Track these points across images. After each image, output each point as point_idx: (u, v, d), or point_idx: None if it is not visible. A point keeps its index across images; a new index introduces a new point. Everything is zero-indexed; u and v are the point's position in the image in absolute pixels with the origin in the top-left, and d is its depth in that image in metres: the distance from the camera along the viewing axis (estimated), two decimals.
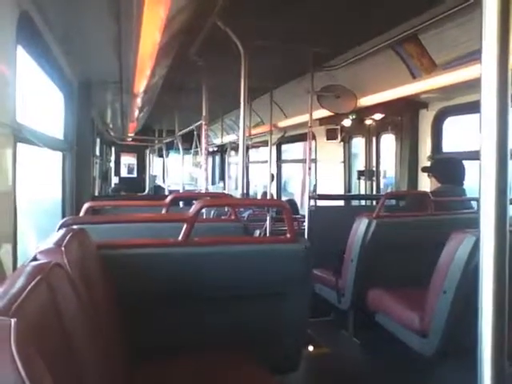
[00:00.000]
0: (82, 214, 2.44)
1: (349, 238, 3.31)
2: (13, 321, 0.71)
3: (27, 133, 2.16)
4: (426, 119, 4.76)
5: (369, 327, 3.22)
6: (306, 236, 3.93)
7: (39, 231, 3.17)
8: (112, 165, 13.02)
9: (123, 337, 1.71)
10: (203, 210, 3.59)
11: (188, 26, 2.93)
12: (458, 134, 4.70)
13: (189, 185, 11.80)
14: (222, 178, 12.43)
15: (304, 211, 4.52)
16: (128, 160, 14.24)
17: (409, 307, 2.73)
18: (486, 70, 0.84)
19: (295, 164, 9.55)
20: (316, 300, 3.08)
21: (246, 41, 3.29)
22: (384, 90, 4.33)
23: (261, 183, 9.99)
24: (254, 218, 5.04)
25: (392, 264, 3.08)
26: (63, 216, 3.57)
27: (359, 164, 6.13)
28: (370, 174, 5.82)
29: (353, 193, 6.25)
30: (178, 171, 9.78)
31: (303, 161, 7.78)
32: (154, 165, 13.25)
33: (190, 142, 8.06)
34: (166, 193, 8.62)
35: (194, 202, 2.51)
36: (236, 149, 9.18)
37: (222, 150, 11.83)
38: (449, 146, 4.71)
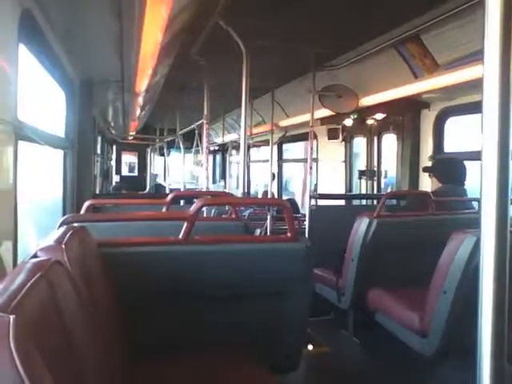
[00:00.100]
0: (82, 211, 2.44)
1: (349, 237, 3.31)
2: (12, 317, 0.71)
3: (28, 130, 2.16)
4: (428, 119, 4.76)
5: (369, 327, 3.22)
6: (306, 235, 3.93)
7: (40, 229, 3.17)
8: (113, 163, 13.02)
9: (123, 335, 1.71)
10: (204, 209, 3.60)
11: (190, 26, 2.92)
12: (460, 135, 4.70)
13: (190, 183, 11.82)
14: (223, 176, 12.44)
15: (305, 210, 4.53)
16: (129, 158, 14.26)
17: (409, 307, 2.72)
18: (488, 70, 0.84)
19: (296, 163, 9.55)
20: (316, 299, 3.08)
21: (247, 40, 3.29)
22: (386, 90, 4.33)
23: (262, 182, 10.00)
24: (255, 217, 5.05)
25: (392, 264, 3.08)
26: (64, 214, 3.57)
27: (360, 164, 6.13)
28: (371, 173, 5.82)
29: (354, 192, 6.25)
30: (179, 170, 9.79)
31: (304, 160, 7.78)
32: (155, 163, 13.27)
33: (191, 140, 8.07)
34: (167, 191, 8.62)
35: (194, 200, 2.51)
36: (237, 148, 9.18)
37: (223, 148, 11.84)
38: (450, 146, 4.71)
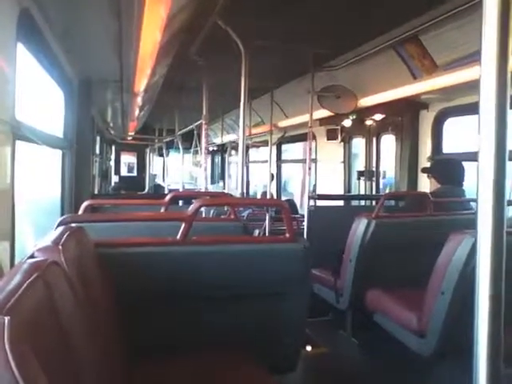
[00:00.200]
0: (80, 212, 2.43)
1: (348, 238, 3.31)
2: (7, 319, 0.71)
3: (26, 130, 2.16)
4: (427, 120, 4.76)
5: (367, 327, 3.22)
6: (305, 236, 3.93)
7: (38, 229, 3.16)
8: (112, 163, 13.01)
9: (121, 335, 1.71)
10: (203, 210, 3.59)
11: (189, 25, 2.92)
12: (459, 135, 4.70)
13: (189, 184, 11.82)
14: (222, 177, 12.44)
15: (304, 211, 4.52)
16: (128, 159, 14.24)
17: (407, 307, 2.73)
18: (485, 71, 0.84)
19: (295, 164, 9.55)
20: (314, 300, 3.08)
21: (246, 40, 3.29)
22: (384, 91, 4.33)
23: (261, 183, 10.00)
24: (254, 218, 5.05)
25: (391, 264, 3.08)
26: (62, 214, 3.57)
27: (359, 164, 6.13)
28: (370, 174, 5.82)
29: (352, 193, 6.25)
30: (177, 170, 9.79)
31: (303, 161, 7.78)
32: (154, 164, 13.25)
33: (190, 141, 8.07)
34: (166, 192, 8.62)
35: (193, 201, 2.51)
36: (236, 148, 9.17)
37: (222, 149, 11.84)
38: (449, 147, 4.71)
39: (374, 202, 4.73)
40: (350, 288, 3.29)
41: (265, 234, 3.72)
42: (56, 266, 1.18)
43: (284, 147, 9.01)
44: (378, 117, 5.23)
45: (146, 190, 12.06)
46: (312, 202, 4.25)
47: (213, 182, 12.60)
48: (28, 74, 2.58)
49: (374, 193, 5.76)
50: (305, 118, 4.96)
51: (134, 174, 14.20)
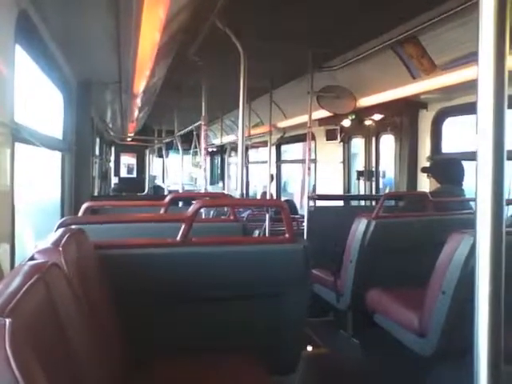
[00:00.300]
0: (80, 213, 2.43)
1: (348, 238, 3.31)
2: (7, 321, 0.71)
3: (25, 132, 2.16)
4: (426, 120, 4.76)
5: (367, 327, 3.22)
6: (305, 236, 3.93)
7: (38, 231, 3.16)
8: (112, 165, 13.02)
9: (121, 336, 1.71)
10: (202, 210, 3.60)
11: (187, 26, 2.93)
12: (458, 135, 4.70)
13: (188, 185, 11.81)
14: (222, 178, 12.44)
15: (303, 211, 4.52)
16: (128, 160, 14.25)
17: (407, 307, 2.72)
18: (483, 71, 0.84)
19: (295, 164, 9.55)
20: (315, 300, 3.08)
21: (245, 41, 3.29)
22: (384, 91, 4.33)
23: (260, 183, 10.00)
24: (253, 218, 5.05)
25: (391, 264, 3.08)
26: (62, 216, 3.57)
27: (358, 164, 6.13)
28: (370, 174, 5.82)
29: (352, 193, 6.25)
30: (177, 171, 9.79)
31: (303, 161, 7.78)
32: (154, 165, 13.26)
33: (189, 142, 8.08)
34: (166, 193, 8.62)
35: (193, 202, 2.51)
36: (235, 149, 9.19)
37: (222, 150, 11.84)
38: (448, 146, 4.71)
39: (373, 202, 4.74)
40: (350, 288, 3.29)
41: (265, 234, 3.72)
42: (56, 268, 1.18)
43: (283, 148, 9.02)
44: (377, 117, 5.23)
45: (146, 192, 12.07)
46: (312, 203, 4.25)
47: (212, 183, 12.60)
48: (27, 76, 2.58)
49: (373, 193, 5.76)
50: (304, 118, 4.96)
51: (134, 175, 14.21)
